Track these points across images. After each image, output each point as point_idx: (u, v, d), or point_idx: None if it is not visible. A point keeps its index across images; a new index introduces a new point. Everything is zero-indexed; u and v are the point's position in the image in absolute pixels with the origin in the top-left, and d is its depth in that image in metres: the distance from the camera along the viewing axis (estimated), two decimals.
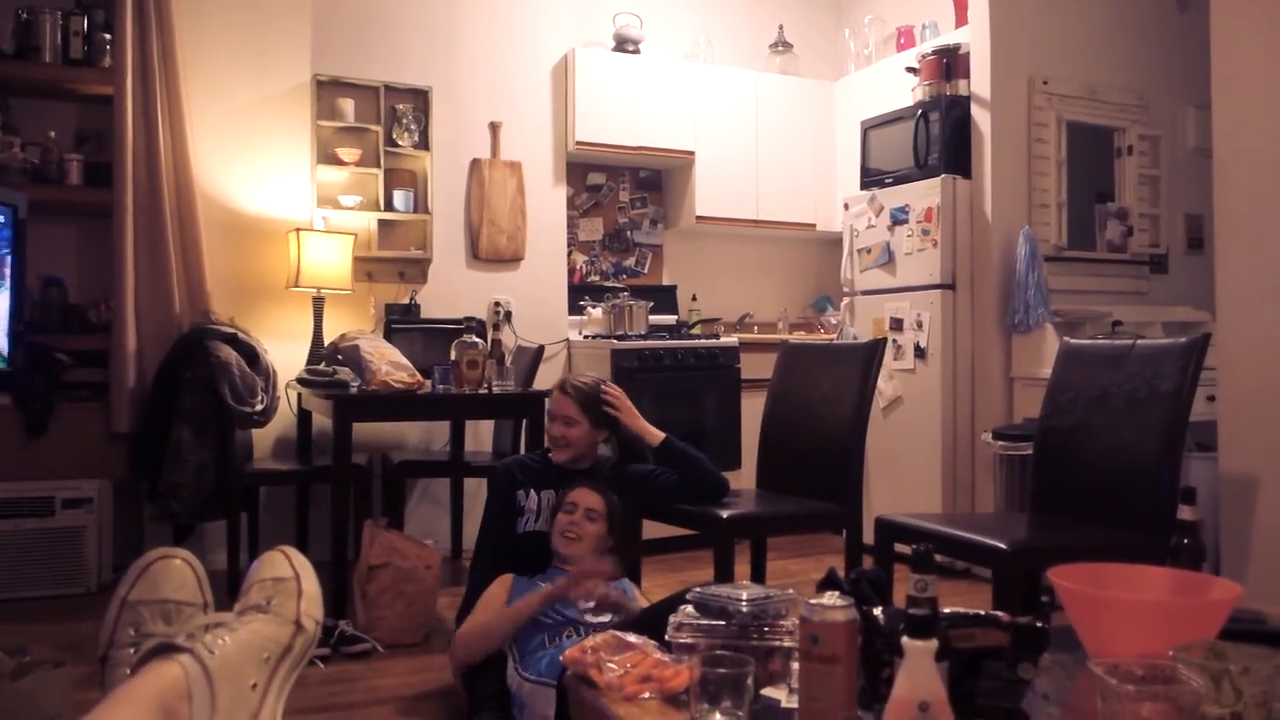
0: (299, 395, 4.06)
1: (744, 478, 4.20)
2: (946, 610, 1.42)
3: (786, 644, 1.52)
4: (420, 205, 4.62)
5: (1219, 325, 2.95)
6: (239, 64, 4.25)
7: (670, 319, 5.25)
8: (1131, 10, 4.57)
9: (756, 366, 4.64)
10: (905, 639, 1.14)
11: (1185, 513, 1.86)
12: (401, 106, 4.58)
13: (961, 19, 4.56)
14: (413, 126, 4.58)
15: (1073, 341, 2.90)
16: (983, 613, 1.36)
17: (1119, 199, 4.53)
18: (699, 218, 5.21)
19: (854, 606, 1.28)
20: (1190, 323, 4.14)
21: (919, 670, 1.14)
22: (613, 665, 1.47)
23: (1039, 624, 1.37)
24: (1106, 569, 1.68)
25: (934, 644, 1.13)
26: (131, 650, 1.01)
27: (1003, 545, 2.32)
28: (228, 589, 3.36)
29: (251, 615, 1.02)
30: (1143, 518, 2.40)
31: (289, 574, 1.09)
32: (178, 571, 1.08)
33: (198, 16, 4.14)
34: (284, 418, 4.12)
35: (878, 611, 1.35)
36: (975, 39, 4.33)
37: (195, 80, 4.09)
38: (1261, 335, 2.79)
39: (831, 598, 1.30)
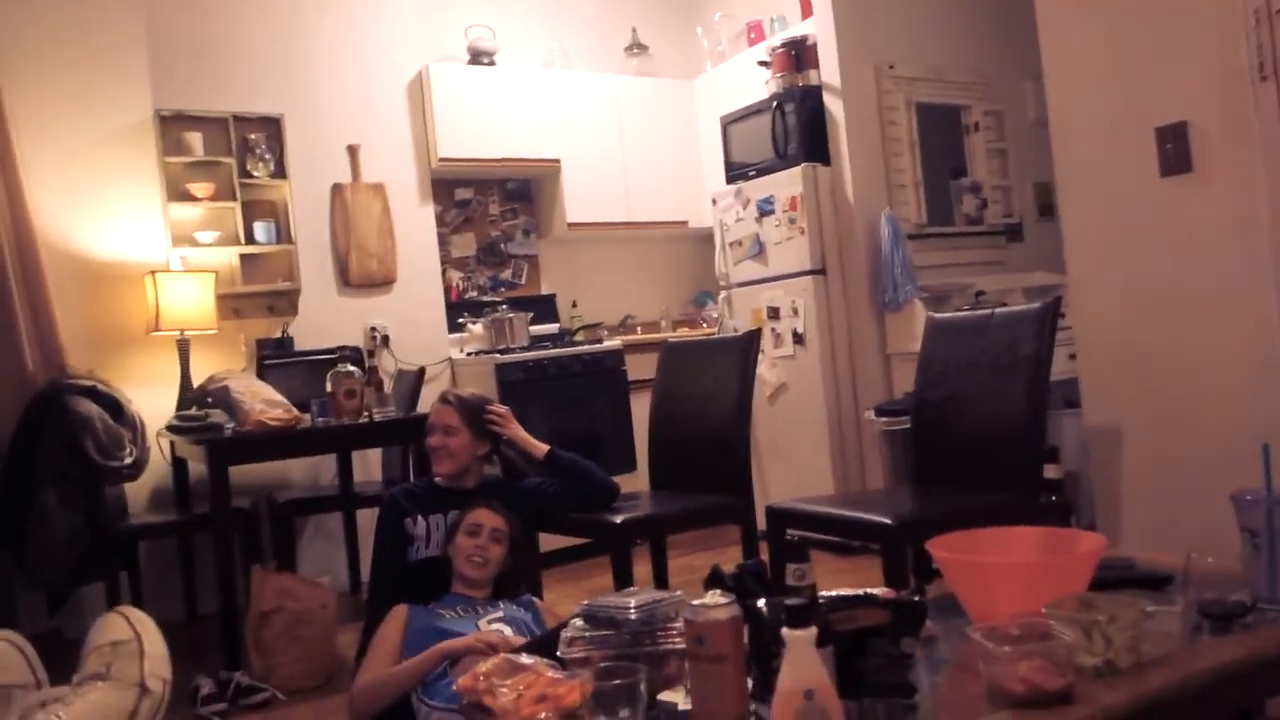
0: (171, 443, 3.90)
1: (640, 479, 4.21)
2: (829, 594, 1.45)
3: (679, 647, 1.52)
4: (283, 235, 4.49)
5: (1070, 287, 3.08)
6: (72, 105, 4.05)
7: (553, 328, 5.23)
8: None
9: (642, 367, 4.65)
10: (785, 629, 1.15)
11: (1050, 471, 1.95)
12: (253, 136, 4.44)
13: (807, 10, 4.65)
14: (267, 156, 4.45)
15: (937, 316, 3.00)
16: (862, 593, 1.39)
17: (971, 174, 4.70)
18: (571, 224, 5.21)
19: (736, 603, 1.29)
20: (1049, 286, 4.32)
21: (801, 659, 1.15)
22: (505, 689, 1.45)
23: (916, 598, 1.40)
24: (981, 534, 1.73)
25: (813, 631, 1.15)
26: None
27: (888, 520, 2.38)
28: None
29: (90, 685, 0.97)
30: (1015, 479, 2.48)
31: (128, 635, 1.03)
32: (1, 654, 1.01)
33: (20, 59, 3.93)
34: (158, 467, 3.95)
35: (761, 604, 1.36)
36: (821, 29, 4.43)
37: (25, 125, 3.88)
38: (1109, 293, 2.93)
39: (714, 597, 1.31)
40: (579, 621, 1.59)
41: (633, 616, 1.53)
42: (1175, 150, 2.72)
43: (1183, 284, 2.73)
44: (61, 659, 1.89)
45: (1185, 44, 2.69)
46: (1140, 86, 2.81)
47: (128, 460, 3.54)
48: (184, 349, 4.03)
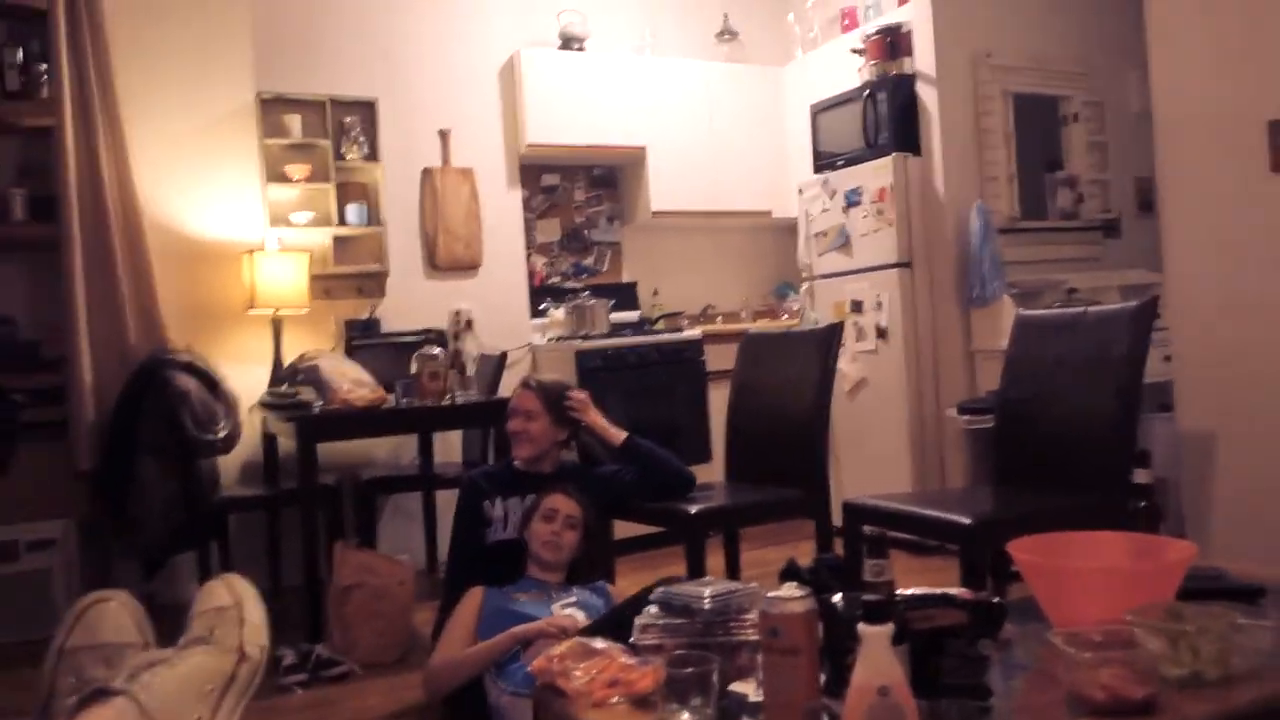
0: (263, 419, 4.02)
1: (714, 470, 4.21)
2: (906, 592, 1.43)
3: (752, 638, 1.52)
4: (374, 218, 4.58)
5: (1168, 286, 2.98)
6: (180, 87, 4.20)
7: (633, 315, 5.24)
8: None
9: (722, 357, 4.63)
10: (861, 625, 1.14)
11: (1140, 476, 1.89)
12: (349, 119, 4.54)
13: None
14: (361, 139, 4.54)
15: (1026, 313, 2.93)
16: (940, 592, 1.37)
17: (1068, 167, 4.57)
18: (655, 212, 5.20)
19: (812, 596, 1.28)
20: (1145, 285, 4.18)
21: (876, 655, 1.14)
22: (579, 672, 1.47)
23: (995, 600, 1.38)
24: (1064, 538, 1.70)
25: (889, 628, 1.14)
26: (73, 700, 0.99)
27: (967, 520, 2.33)
28: None
29: (193, 648, 1.01)
30: (1102, 482, 2.41)
31: (230, 602, 1.07)
32: (114, 614, 1.06)
33: (134, 42, 4.07)
34: (250, 442, 4.08)
35: (837, 599, 1.36)
36: (917, 17, 4.35)
37: (136, 106, 4.03)
38: (1209, 294, 2.83)
39: (789, 589, 1.30)
40: (653, 608, 1.60)
41: (707, 606, 1.54)
42: None
43: None
44: (156, 623, 1.97)
45: None
46: (1252, 77, 2.70)
47: (221, 434, 3.66)
48: (277, 327, 4.15)
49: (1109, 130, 4.68)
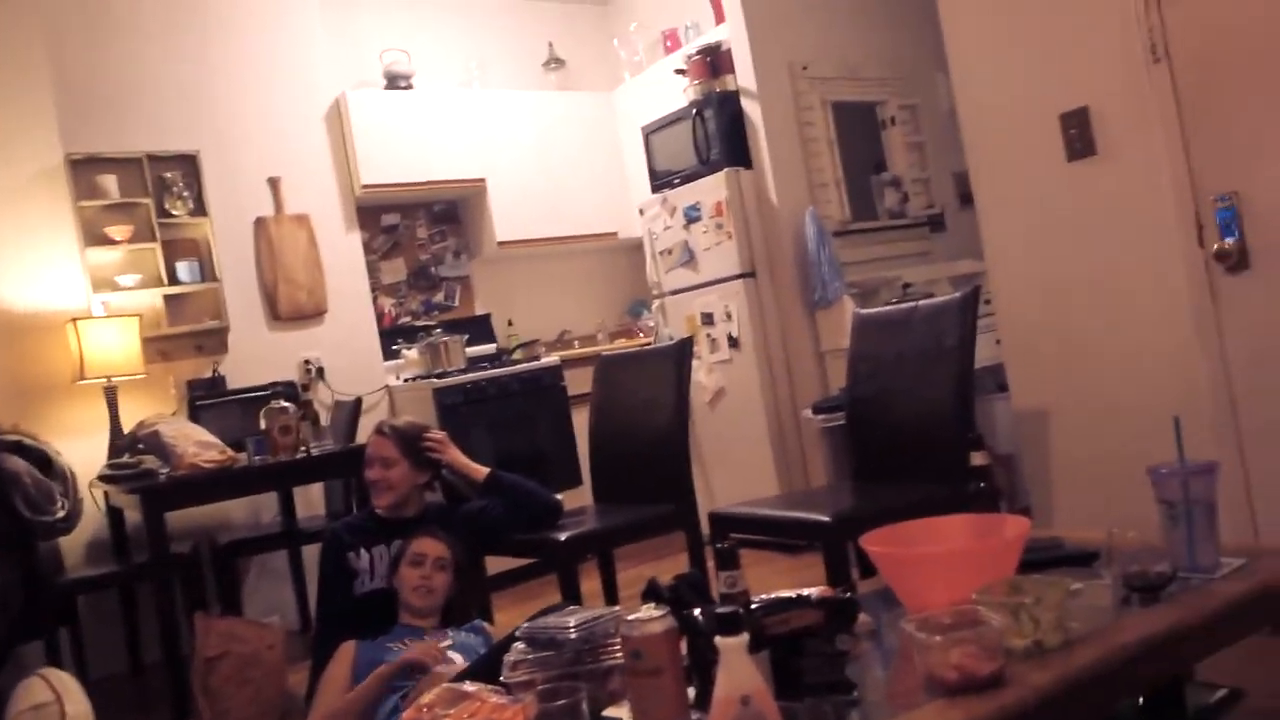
0: (105, 493, 3.81)
1: (586, 494, 4.21)
2: (762, 598, 1.47)
3: (622, 662, 1.52)
4: (208, 273, 4.42)
5: (989, 274, 3.14)
6: None
7: (489, 348, 5.21)
8: None
9: (582, 382, 4.64)
10: (718, 637, 1.16)
11: (976, 458, 1.99)
12: (170, 174, 4.36)
13: (720, 16, 4.70)
14: (185, 193, 4.38)
15: (863, 312, 3.04)
16: (794, 594, 1.41)
17: (891, 168, 4.78)
18: (501, 243, 5.19)
19: (670, 615, 1.30)
20: (973, 274, 4.40)
21: (735, 665, 1.17)
22: (449, 718, 1.45)
23: (848, 595, 1.42)
24: (912, 527, 1.77)
25: (744, 638, 1.16)
26: None
27: (826, 518, 2.40)
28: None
29: None
30: (947, 469, 2.52)
31: (49, 698, 1.02)
32: None
33: None
34: (93, 518, 3.86)
35: (697, 613, 1.38)
36: (734, 34, 4.48)
37: None
38: (1026, 278, 3.00)
39: (649, 610, 1.32)
40: (520, 645, 1.59)
41: (573, 636, 1.54)
42: (1079, 135, 2.80)
43: (1095, 264, 2.81)
44: None
45: (1082, 30, 2.76)
46: (1042, 73, 2.88)
47: (60, 514, 3.45)
48: (112, 396, 3.95)
49: (925, 130, 4.92)
